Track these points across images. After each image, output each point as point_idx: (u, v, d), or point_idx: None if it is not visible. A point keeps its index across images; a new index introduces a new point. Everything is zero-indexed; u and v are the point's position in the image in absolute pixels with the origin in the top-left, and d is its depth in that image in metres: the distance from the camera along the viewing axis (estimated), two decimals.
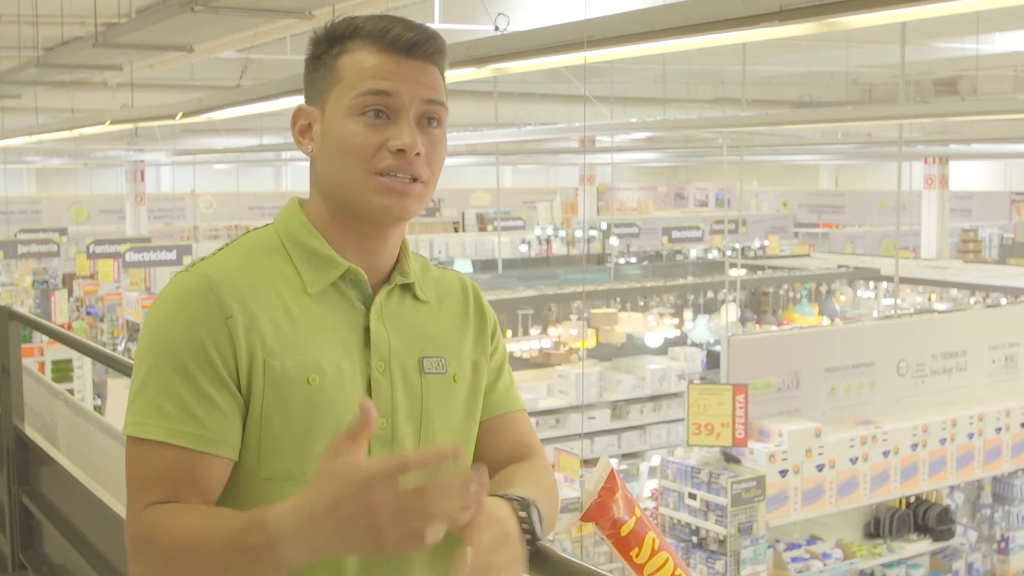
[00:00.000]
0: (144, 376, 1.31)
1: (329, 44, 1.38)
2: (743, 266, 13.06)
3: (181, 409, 1.28)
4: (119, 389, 11.17)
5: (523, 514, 1.27)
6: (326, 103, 1.37)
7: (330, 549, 1.12)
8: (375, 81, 1.34)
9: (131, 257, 14.01)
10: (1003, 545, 7.57)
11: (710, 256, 17.44)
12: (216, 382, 1.30)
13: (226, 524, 1.21)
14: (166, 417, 1.28)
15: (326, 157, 1.37)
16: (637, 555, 1.39)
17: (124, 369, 2.84)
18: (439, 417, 1.42)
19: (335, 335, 1.36)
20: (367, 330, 1.38)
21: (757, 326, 11.93)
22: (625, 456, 10.10)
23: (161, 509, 1.27)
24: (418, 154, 1.34)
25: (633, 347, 10.65)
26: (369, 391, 1.37)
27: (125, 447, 1.32)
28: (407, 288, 1.44)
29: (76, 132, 11.13)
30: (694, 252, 17.79)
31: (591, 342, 10.03)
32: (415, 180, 1.35)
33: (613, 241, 17.26)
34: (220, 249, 1.41)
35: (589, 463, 8.10)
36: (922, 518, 6.92)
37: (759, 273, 13.16)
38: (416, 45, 1.36)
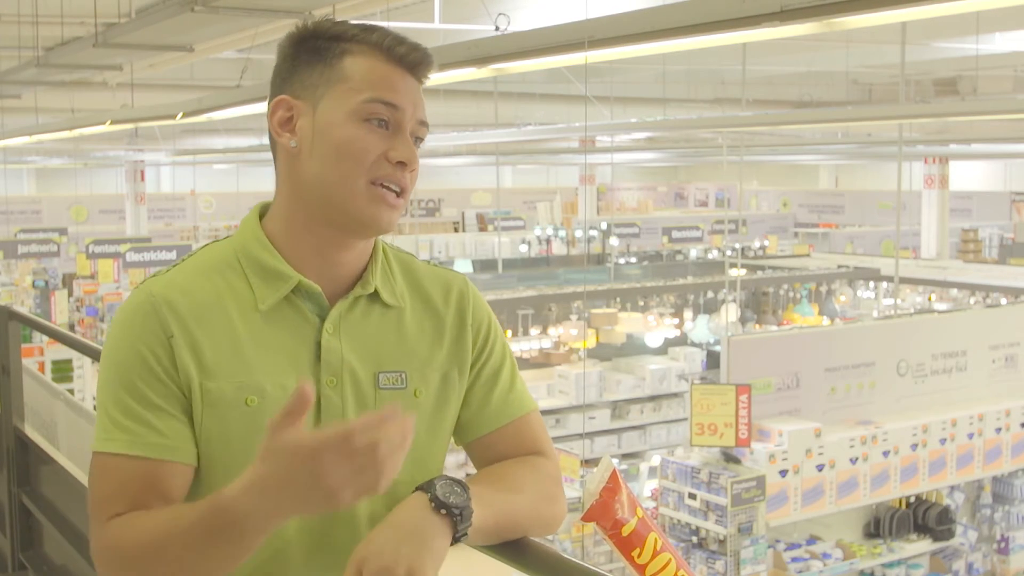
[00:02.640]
0: (102, 393, 1.34)
1: (331, 41, 1.36)
2: (743, 266, 13.07)
3: (138, 422, 1.31)
4: None
5: (427, 495, 1.27)
6: (320, 99, 1.35)
7: (292, 513, 1.17)
8: (387, 92, 1.34)
9: (131, 257, 14.02)
10: (1003, 545, 7.57)
11: (710, 256, 17.44)
12: (166, 395, 1.32)
13: (184, 516, 1.23)
14: (125, 430, 1.30)
15: (317, 155, 1.35)
16: (639, 555, 1.39)
17: None
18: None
19: (284, 352, 1.35)
20: (319, 344, 1.37)
21: (757, 326, 11.94)
22: (625, 456, 10.10)
23: (122, 520, 1.29)
24: (412, 169, 1.36)
25: (633, 347, 10.66)
26: (319, 407, 1.36)
27: (90, 463, 1.34)
28: (374, 296, 1.41)
29: (76, 132, 11.14)
30: (694, 252, 17.79)
31: (591, 342, 10.03)
32: (400, 193, 1.36)
33: (613, 241, 17.25)
34: (177, 263, 1.40)
35: (589, 463, 8.10)
36: (922, 518, 6.92)
37: (759, 273, 13.16)
38: (419, 65, 1.38)
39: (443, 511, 1.26)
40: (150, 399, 1.31)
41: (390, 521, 1.26)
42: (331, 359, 1.37)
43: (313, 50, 1.37)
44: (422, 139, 1.39)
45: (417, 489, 1.29)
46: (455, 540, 1.27)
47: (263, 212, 1.44)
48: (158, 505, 1.30)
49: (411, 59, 1.37)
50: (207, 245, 1.44)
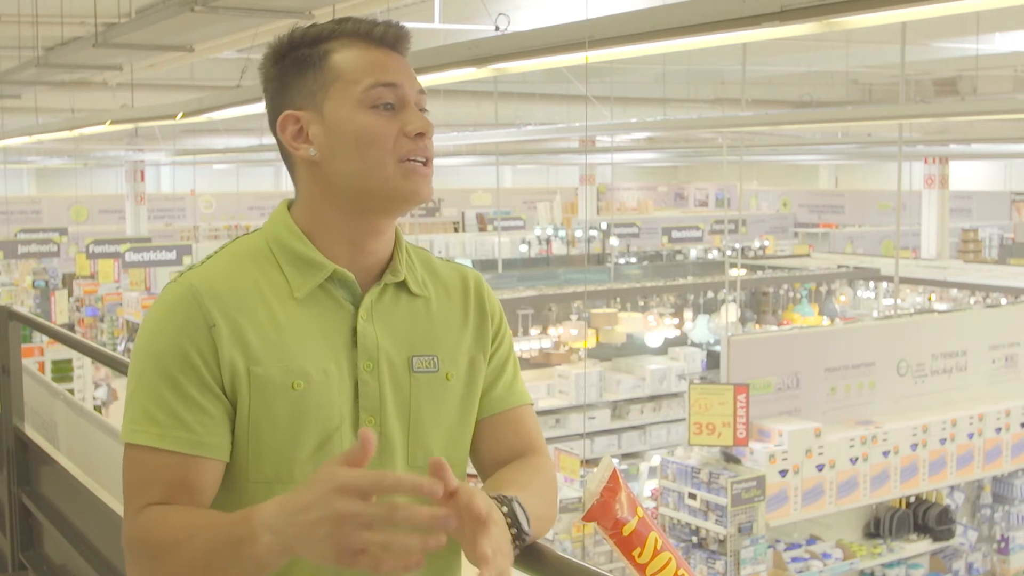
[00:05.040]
0: (135, 384, 1.35)
1: (311, 46, 1.39)
2: (743, 266, 13.06)
3: (170, 415, 1.32)
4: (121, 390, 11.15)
5: (504, 509, 1.27)
6: (323, 103, 1.38)
7: (298, 550, 1.15)
8: (383, 74, 1.38)
9: (131, 257, 14.01)
10: (1003, 545, 7.57)
11: (710, 256, 17.44)
12: (202, 388, 1.33)
13: (214, 520, 1.25)
14: (156, 423, 1.32)
15: (339, 154, 1.38)
16: (639, 555, 1.39)
17: (124, 369, 2.84)
18: (429, 416, 1.43)
19: (322, 338, 1.38)
20: (355, 330, 1.39)
21: (757, 326, 11.93)
22: (625, 456, 10.10)
23: (155, 510, 1.31)
24: (430, 137, 1.41)
25: (633, 347, 10.65)
26: (357, 391, 1.38)
27: (123, 453, 1.36)
28: (401, 285, 1.45)
29: (76, 132, 11.13)
30: (694, 252, 17.78)
31: (591, 342, 10.03)
32: (426, 163, 1.40)
33: (613, 241, 17.25)
34: (210, 256, 1.43)
35: (589, 463, 8.10)
36: (922, 518, 6.92)
37: (759, 273, 13.16)
38: (399, 40, 1.41)
39: (513, 530, 1.27)
40: (187, 392, 1.32)
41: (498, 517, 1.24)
42: (367, 344, 1.39)
43: (297, 60, 1.40)
44: (427, 110, 1.43)
45: (497, 501, 1.28)
46: None
47: (289, 206, 1.46)
48: (188, 499, 1.32)
49: (391, 37, 1.40)
50: (237, 238, 1.46)
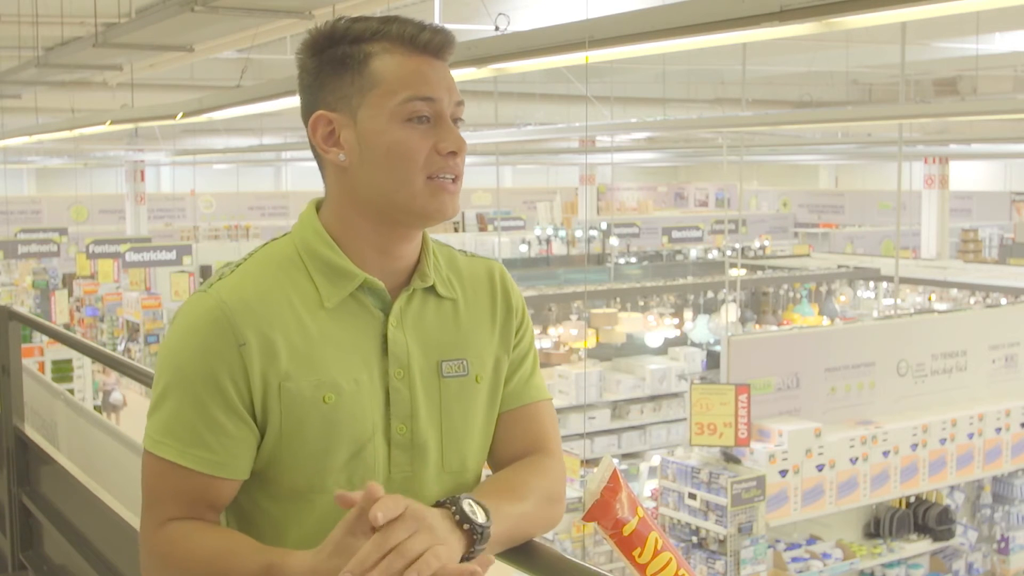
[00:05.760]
0: (160, 394, 1.35)
1: (352, 45, 1.35)
2: (743, 266, 13.06)
3: (192, 433, 1.32)
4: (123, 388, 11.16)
5: (452, 509, 1.25)
6: (357, 109, 1.34)
7: None
8: (422, 88, 1.34)
9: (131, 257, 14.02)
10: (1003, 545, 7.57)
11: (710, 256, 17.44)
12: (227, 410, 1.32)
13: (245, 559, 1.27)
14: (178, 439, 1.32)
15: (368, 164, 1.35)
16: (640, 555, 1.39)
17: (123, 369, 2.85)
18: (460, 419, 1.42)
19: (353, 347, 1.36)
20: (385, 338, 1.38)
21: (757, 326, 11.93)
22: (625, 456, 10.10)
23: (180, 527, 1.32)
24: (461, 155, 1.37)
25: (633, 347, 10.66)
26: (387, 399, 1.37)
27: (142, 457, 1.37)
28: (430, 289, 1.43)
29: (76, 132, 11.13)
30: (694, 252, 17.78)
31: (591, 342, 10.03)
32: (455, 179, 1.37)
33: (613, 241, 17.25)
34: (239, 264, 1.40)
35: (589, 463, 8.11)
36: (922, 518, 6.92)
37: (759, 273, 13.16)
38: (443, 47, 1.37)
39: (466, 526, 1.25)
40: (211, 413, 1.32)
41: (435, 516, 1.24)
42: (398, 351, 1.38)
43: (336, 59, 1.36)
44: (463, 120, 1.39)
45: (438, 505, 1.27)
46: (465, 558, 1.24)
47: (318, 207, 1.44)
48: (205, 513, 1.34)
49: (435, 44, 1.36)
50: (266, 244, 1.43)
